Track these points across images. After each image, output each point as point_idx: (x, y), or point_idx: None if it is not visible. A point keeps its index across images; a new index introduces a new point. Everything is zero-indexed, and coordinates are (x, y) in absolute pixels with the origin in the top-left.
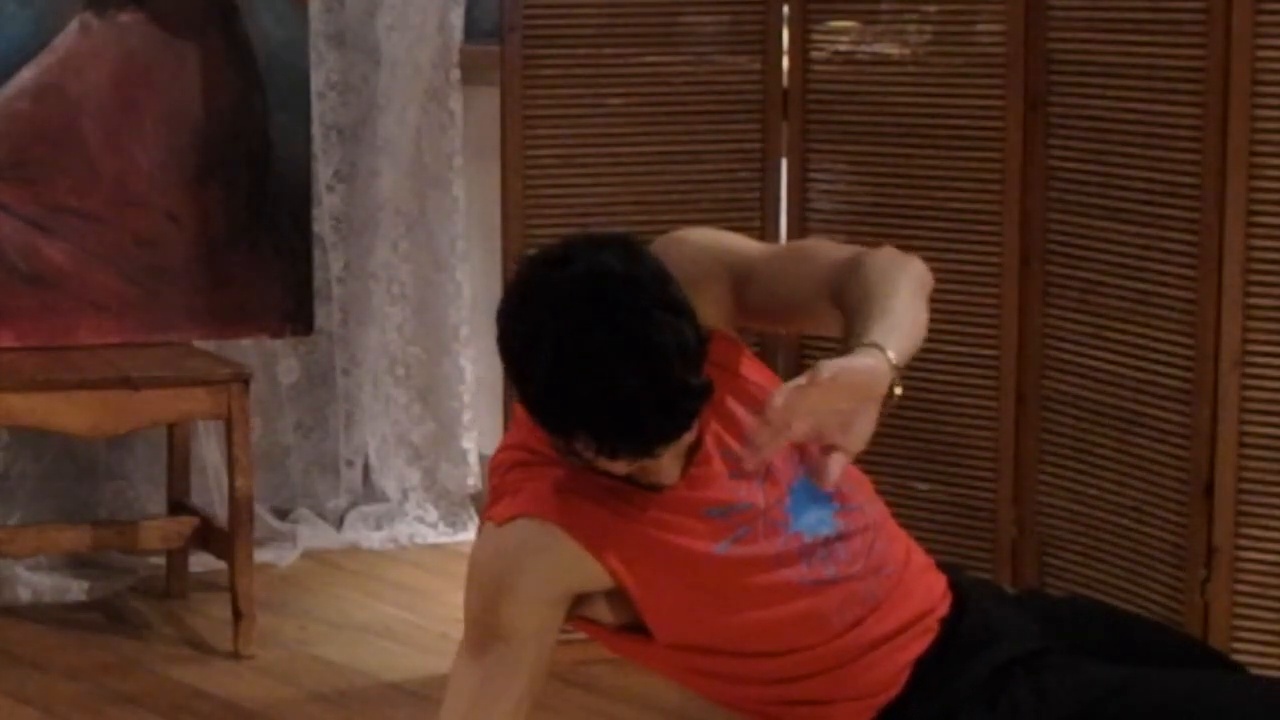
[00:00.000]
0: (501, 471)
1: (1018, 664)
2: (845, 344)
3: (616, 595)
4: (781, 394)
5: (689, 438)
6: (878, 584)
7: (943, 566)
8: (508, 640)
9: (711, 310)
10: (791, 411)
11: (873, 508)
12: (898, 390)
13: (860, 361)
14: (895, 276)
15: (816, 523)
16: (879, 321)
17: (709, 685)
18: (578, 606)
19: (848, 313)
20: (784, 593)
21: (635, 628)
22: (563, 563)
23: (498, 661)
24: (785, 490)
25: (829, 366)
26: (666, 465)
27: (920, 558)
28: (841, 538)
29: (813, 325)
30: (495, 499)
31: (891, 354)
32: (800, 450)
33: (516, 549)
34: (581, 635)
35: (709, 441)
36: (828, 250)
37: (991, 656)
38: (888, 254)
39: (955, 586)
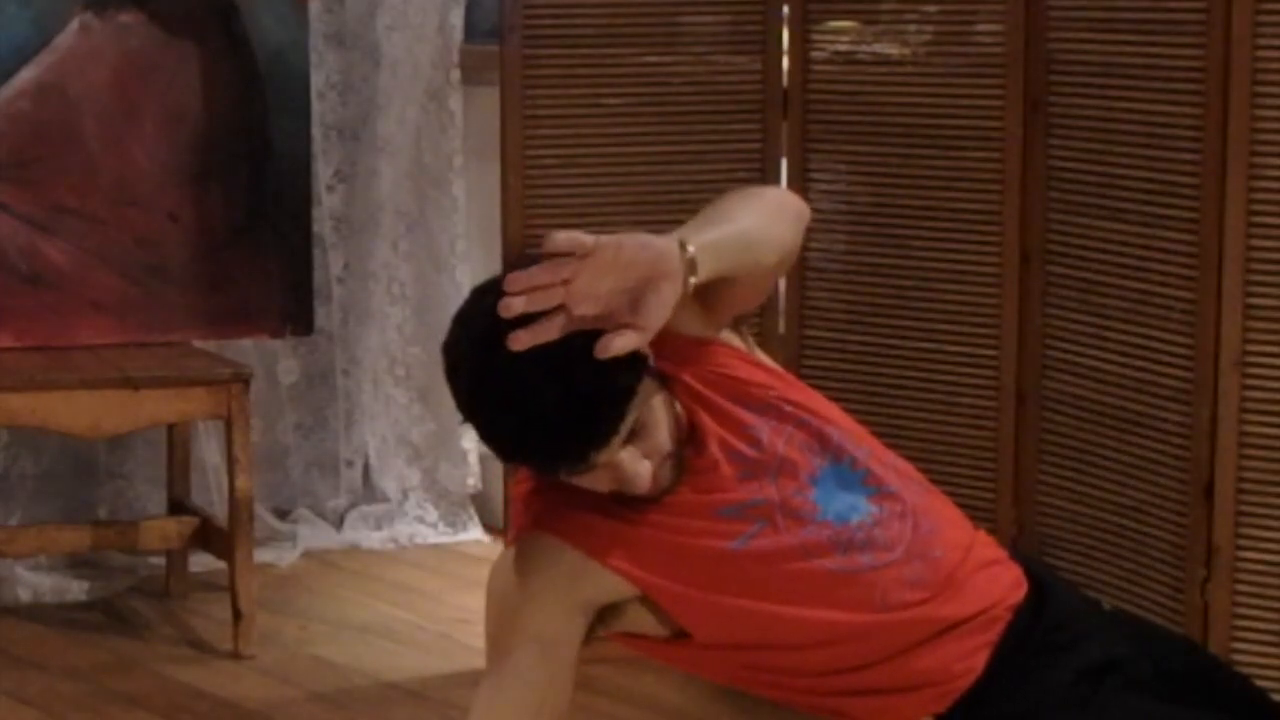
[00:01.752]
0: (516, 502)
1: (1110, 671)
2: None
3: (650, 604)
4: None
5: (655, 446)
6: (926, 569)
7: (1024, 561)
8: (523, 647)
9: (687, 316)
10: (534, 282)
11: (914, 493)
12: (693, 280)
13: (638, 237)
14: (740, 201)
15: (847, 509)
16: (692, 223)
17: (768, 683)
18: (612, 622)
19: None
20: (816, 582)
21: (678, 634)
22: (568, 572)
23: (511, 672)
24: (806, 480)
25: (603, 236)
26: (632, 475)
27: (987, 550)
28: (878, 523)
29: (734, 292)
30: (510, 525)
31: (691, 247)
32: (819, 439)
33: (521, 566)
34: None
35: (714, 447)
36: None
37: (1076, 657)
38: (746, 188)
39: (1034, 578)
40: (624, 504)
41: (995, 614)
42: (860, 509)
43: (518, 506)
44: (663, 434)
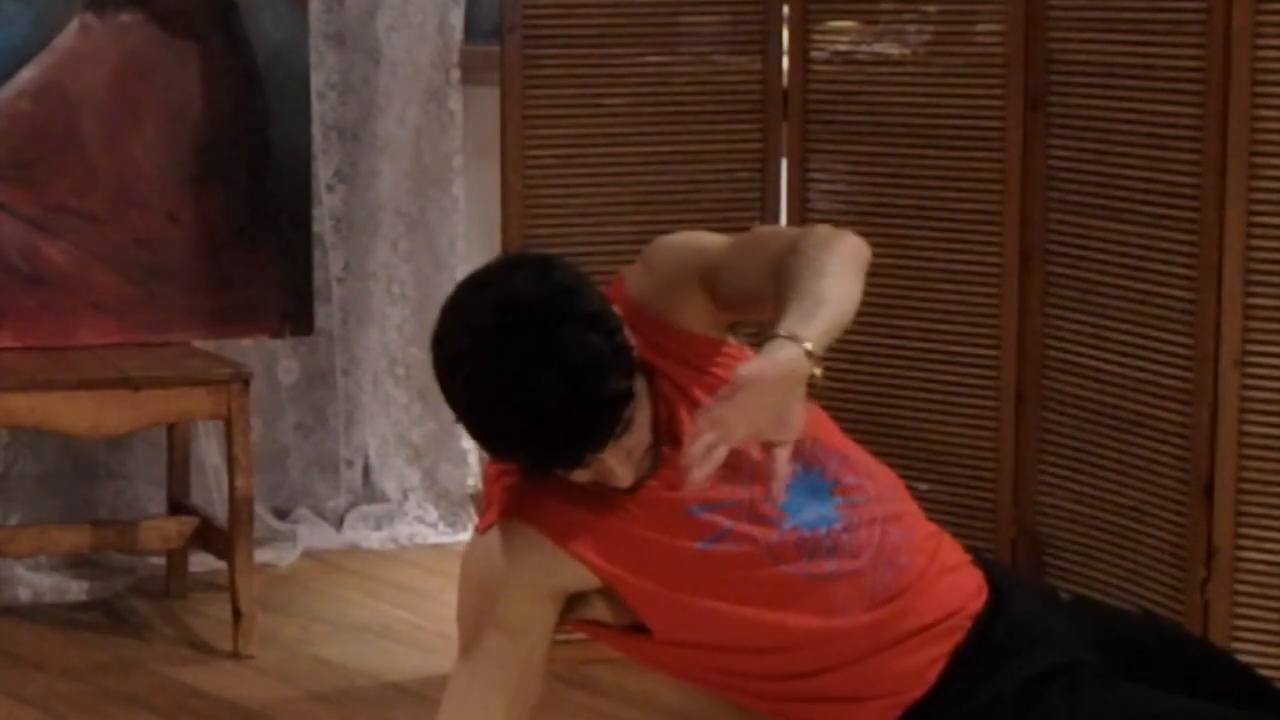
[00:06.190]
0: (489, 483)
1: (1057, 675)
2: (767, 332)
3: (614, 595)
4: (712, 410)
5: (638, 441)
6: (891, 577)
7: (985, 565)
8: (496, 634)
9: (691, 312)
10: (726, 424)
11: (886, 499)
12: (817, 373)
13: (777, 356)
14: (822, 259)
15: (817, 518)
16: (796, 308)
17: (721, 684)
18: (577, 609)
19: (777, 300)
20: (779, 587)
21: (639, 628)
22: (539, 559)
23: (485, 656)
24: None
25: (748, 370)
26: (616, 470)
27: (951, 555)
28: (847, 529)
29: (755, 308)
30: (483, 510)
31: (808, 343)
32: (793, 446)
33: (495, 551)
34: (581, 635)
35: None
36: (776, 236)
37: (1026, 663)
38: (819, 235)
39: (994, 584)
40: (597, 495)
41: (956, 623)
42: (828, 517)
43: (493, 491)
44: (645, 428)
